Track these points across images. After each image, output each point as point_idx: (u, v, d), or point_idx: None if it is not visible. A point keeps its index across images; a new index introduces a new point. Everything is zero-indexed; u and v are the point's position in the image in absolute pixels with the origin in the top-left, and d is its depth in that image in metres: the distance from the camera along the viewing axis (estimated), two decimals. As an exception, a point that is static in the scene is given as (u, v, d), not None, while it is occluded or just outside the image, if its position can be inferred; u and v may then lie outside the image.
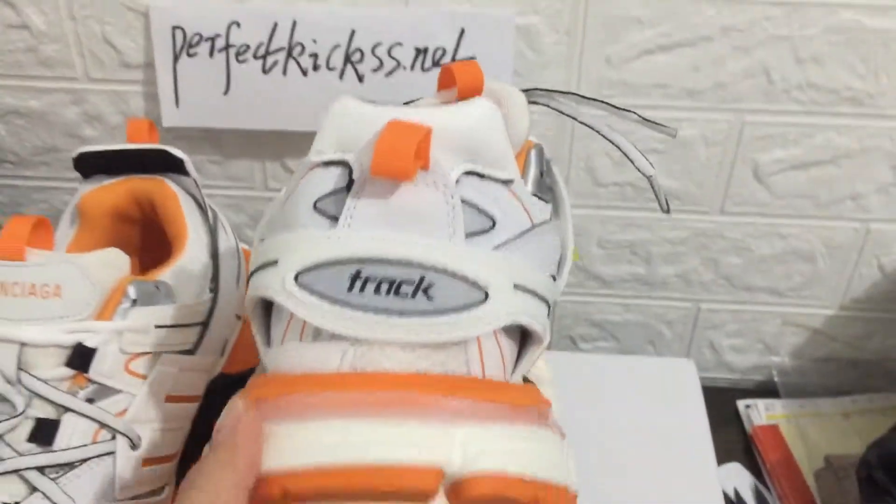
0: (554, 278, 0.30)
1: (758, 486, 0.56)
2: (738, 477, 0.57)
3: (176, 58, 0.52)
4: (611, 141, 0.37)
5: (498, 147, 0.27)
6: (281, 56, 0.51)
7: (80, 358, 0.36)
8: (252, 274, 0.27)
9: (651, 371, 0.58)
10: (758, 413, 0.60)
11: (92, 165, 0.45)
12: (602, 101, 0.37)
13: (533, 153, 0.33)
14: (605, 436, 0.54)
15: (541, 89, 0.36)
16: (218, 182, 0.59)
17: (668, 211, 0.39)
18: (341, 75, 0.52)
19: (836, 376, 0.64)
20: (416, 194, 0.26)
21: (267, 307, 0.28)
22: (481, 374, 0.26)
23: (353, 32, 0.50)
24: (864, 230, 0.57)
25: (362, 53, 0.51)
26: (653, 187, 0.37)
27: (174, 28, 0.51)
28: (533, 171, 0.32)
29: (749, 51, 0.51)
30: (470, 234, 0.26)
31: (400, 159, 0.25)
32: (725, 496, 0.53)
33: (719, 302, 0.62)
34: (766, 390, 0.63)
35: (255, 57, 0.51)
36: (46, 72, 0.55)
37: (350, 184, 0.26)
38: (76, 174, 0.45)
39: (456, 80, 0.31)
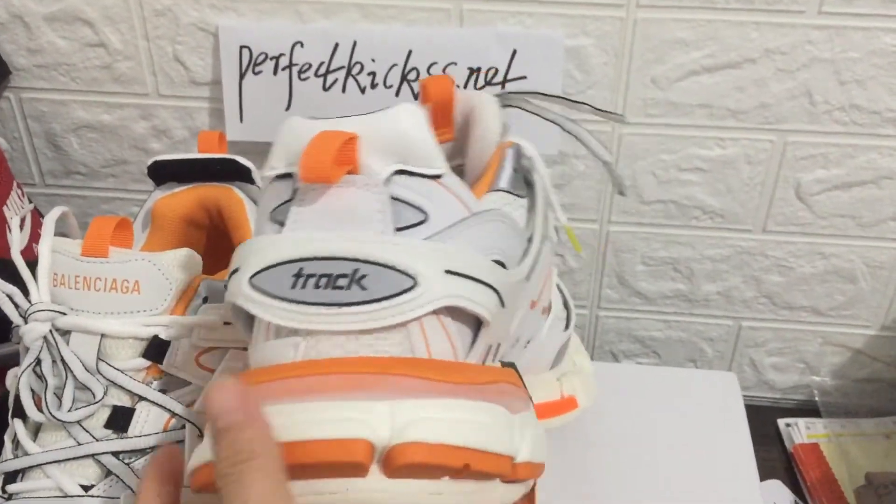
0: (503, 264, 0.31)
1: (798, 503, 0.56)
2: (778, 494, 0.57)
3: (242, 75, 0.55)
4: (570, 132, 0.41)
5: (424, 145, 0.29)
6: (341, 74, 0.54)
7: (156, 350, 0.38)
8: (226, 283, 0.30)
9: (693, 383, 0.59)
10: (798, 432, 0.61)
11: (165, 173, 0.47)
12: (560, 97, 0.41)
13: (509, 152, 0.36)
14: (647, 447, 0.54)
15: (512, 93, 0.39)
16: (275, 195, 0.61)
17: (623, 193, 0.43)
18: (398, 93, 0.54)
19: (877, 396, 0.65)
20: (348, 196, 0.28)
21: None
22: (427, 356, 0.28)
23: (409, 52, 0.53)
24: (905, 251, 0.58)
25: (418, 72, 0.53)
26: (610, 173, 0.41)
27: (241, 47, 0.54)
28: (507, 169, 0.35)
29: (792, 73, 0.52)
30: (402, 228, 0.28)
31: (321, 165, 0.27)
32: (766, 511, 0.54)
33: (760, 320, 0.63)
34: (807, 409, 0.64)
35: (316, 75, 0.54)
36: (119, 88, 0.58)
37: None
38: (142, 185, 0.48)
39: (428, 93, 0.36)
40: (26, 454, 0.37)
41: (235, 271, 0.29)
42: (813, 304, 0.62)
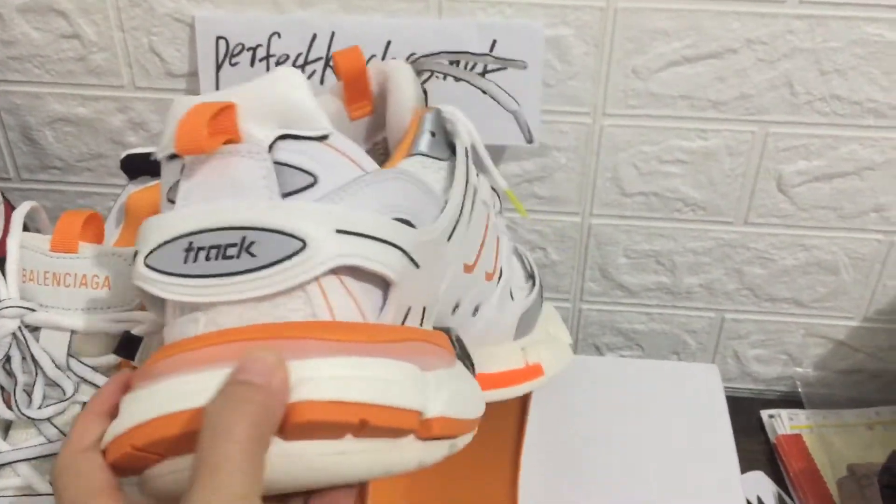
0: (409, 223, 0.31)
1: (781, 494, 0.56)
2: (761, 485, 0.57)
3: (219, 67, 0.54)
4: (478, 87, 0.42)
5: (305, 107, 0.29)
6: (319, 66, 0.53)
7: (127, 346, 0.38)
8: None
9: (675, 376, 0.59)
10: (781, 423, 0.61)
11: (138, 167, 0.47)
12: (464, 52, 0.43)
13: (427, 117, 0.36)
14: (629, 440, 0.54)
15: (424, 56, 0.40)
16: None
17: (531, 142, 0.43)
18: (376, 85, 0.54)
19: (859, 387, 0.65)
20: (232, 166, 0.28)
21: None
22: (330, 318, 0.28)
23: (388, 43, 0.52)
24: (887, 242, 0.58)
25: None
26: (518, 121, 0.42)
27: (218, 38, 0.53)
28: (424, 133, 0.36)
29: (773, 63, 0.52)
30: (291, 192, 0.28)
31: (194, 135, 0.27)
32: None
33: (743, 312, 0.63)
34: (790, 401, 0.64)
35: (294, 66, 0.53)
36: (94, 80, 0.57)
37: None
38: (119, 180, 0.47)
39: (339, 67, 0.37)
40: (-4, 451, 0.36)
41: (135, 255, 0.29)
42: (795, 296, 0.61)
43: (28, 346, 0.37)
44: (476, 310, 0.39)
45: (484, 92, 0.41)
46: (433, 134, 0.36)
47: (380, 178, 0.31)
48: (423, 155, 0.35)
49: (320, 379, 0.26)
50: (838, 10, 0.50)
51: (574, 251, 0.61)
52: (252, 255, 0.27)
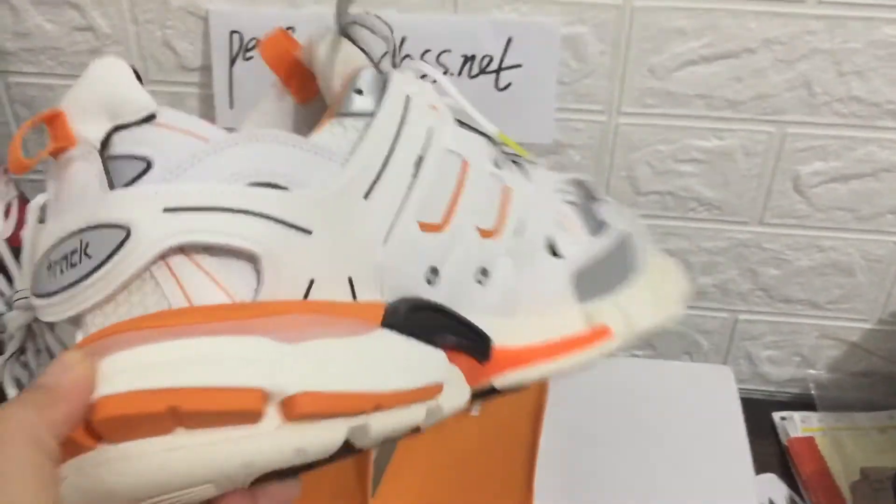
0: (279, 186, 0.28)
1: (793, 497, 0.56)
2: (773, 488, 0.57)
3: (232, 61, 0.54)
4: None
5: (126, 93, 0.28)
6: (333, 61, 0.53)
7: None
8: None
9: (688, 377, 0.59)
10: (794, 425, 0.61)
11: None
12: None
13: (357, 77, 0.33)
14: (642, 441, 0.54)
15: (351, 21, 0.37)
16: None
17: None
18: (391, 81, 0.53)
19: (873, 390, 0.64)
20: (71, 172, 0.27)
21: None
22: (187, 304, 0.26)
23: (403, 39, 0.52)
24: (904, 244, 0.58)
25: (411, 60, 0.52)
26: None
27: (232, 32, 0.53)
28: (350, 93, 0.33)
29: (791, 63, 0.52)
30: (129, 183, 0.27)
31: (12, 157, 0.27)
32: (760, 505, 0.54)
33: (757, 313, 0.63)
34: (803, 403, 0.63)
35: (308, 61, 0.53)
36: (108, 73, 0.57)
37: None
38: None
39: (267, 55, 0.35)
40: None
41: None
42: (810, 298, 0.61)
43: (43, 338, 0.36)
44: (483, 273, 0.35)
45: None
46: (359, 92, 0.33)
47: (224, 146, 0.28)
48: (343, 115, 0.32)
49: (123, 371, 0.24)
50: (858, 10, 0.49)
51: (587, 250, 0.61)
52: (89, 256, 0.26)
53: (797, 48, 0.51)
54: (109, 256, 0.26)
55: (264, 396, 0.24)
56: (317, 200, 0.29)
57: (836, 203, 0.56)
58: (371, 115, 0.32)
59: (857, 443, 0.59)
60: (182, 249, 0.26)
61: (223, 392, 0.24)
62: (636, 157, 0.56)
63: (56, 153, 0.28)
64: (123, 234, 0.26)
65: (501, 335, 0.34)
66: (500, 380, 0.34)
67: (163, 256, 0.26)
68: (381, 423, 0.27)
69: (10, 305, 0.37)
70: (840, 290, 0.60)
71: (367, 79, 0.33)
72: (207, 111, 0.58)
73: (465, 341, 0.33)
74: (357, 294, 0.30)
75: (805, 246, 0.59)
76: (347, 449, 0.27)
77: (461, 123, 0.37)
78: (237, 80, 0.55)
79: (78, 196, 0.27)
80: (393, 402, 0.27)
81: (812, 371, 0.65)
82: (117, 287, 0.26)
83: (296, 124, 0.38)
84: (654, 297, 0.40)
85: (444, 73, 0.53)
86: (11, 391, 0.37)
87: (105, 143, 0.28)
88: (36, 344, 0.37)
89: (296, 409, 0.25)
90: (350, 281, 0.30)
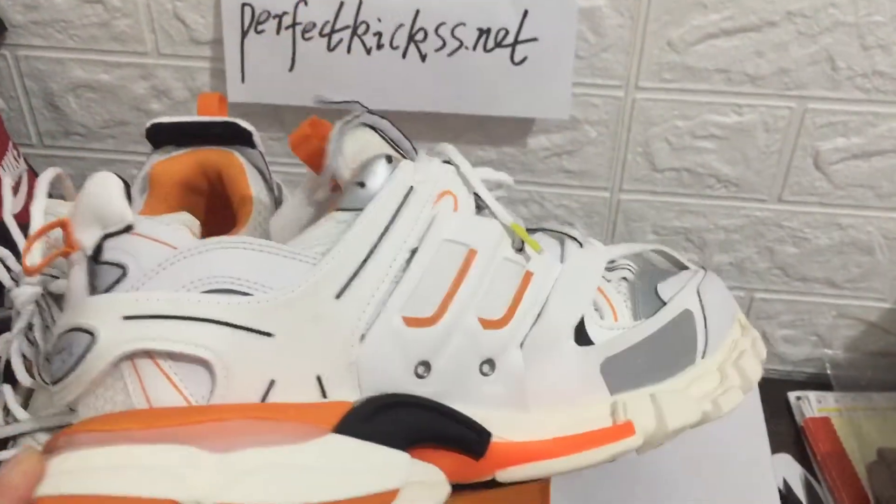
0: (241, 292, 0.30)
1: (808, 477, 0.56)
2: (787, 468, 0.56)
3: (244, 34, 0.53)
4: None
5: (110, 204, 0.31)
6: (346, 34, 0.52)
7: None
8: None
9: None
10: (809, 405, 0.60)
11: (163, 137, 0.46)
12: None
13: (367, 167, 0.34)
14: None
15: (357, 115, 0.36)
16: (279, 159, 0.60)
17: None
18: (404, 54, 0.52)
19: (890, 371, 0.63)
20: (71, 274, 0.31)
21: None
22: (147, 405, 0.29)
23: (417, 12, 0.51)
24: (925, 223, 0.57)
25: (426, 33, 0.52)
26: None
27: (243, 5, 0.52)
28: (351, 187, 0.33)
29: (814, 37, 0.50)
30: (109, 287, 0.30)
31: (24, 263, 0.32)
32: (775, 485, 0.53)
33: (773, 292, 0.62)
34: (818, 383, 0.63)
35: (320, 35, 0.52)
36: (118, 46, 0.56)
37: None
38: (142, 147, 0.46)
39: (294, 150, 0.36)
40: (16, 421, 0.36)
41: None
42: (828, 276, 0.60)
43: (51, 314, 0.36)
44: (489, 364, 0.34)
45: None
46: (362, 185, 0.33)
47: (188, 254, 0.31)
48: (342, 210, 0.33)
49: (60, 473, 0.26)
50: (884, -19, 0.48)
51: (602, 227, 0.60)
52: (71, 354, 0.30)
53: (820, 21, 0.50)
54: (82, 356, 0.29)
55: None
56: (280, 303, 0.30)
57: (856, 180, 0.55)
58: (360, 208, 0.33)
59: (873, 423, 0.58)
60: (147, 353, 0.29)
61: (138, 502, 0.26)
62: (653, 132, 0.55)
63: (65, 255, 0.31)
64: (90, 338, 0.29)
65: (508, 428, 0.33)
66: (504, 474, 0.34)
67: (130, 357, 0.29)
68: None
69: (17, 281, 0.36)
70: (859, 268, 0.59)
71: (373, 170, 0.34)
72: (219, 85, 0.57)
73: (453, 438, 0.32)
74: (327, 392, 0.31)
75: (824, 224, 0.58)
76: None
77: (480, 208, 0.36)
78: (248, 54, 0.54)
79: (72, 297, 0.31)
80: None
81: (829, 351, 0.64)
82: (89, 384, 0.29)
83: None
84: (705, 389, 0.37)
85: (459, 47, 0.52)
86: (19, 367, 0.36)
87: (100, 248, 0.31)
88: (44, 320, 0.37)
89: None
90: (319, 379, 0.31)
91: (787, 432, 0.59)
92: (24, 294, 0.36)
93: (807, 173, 0.56)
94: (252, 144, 0.45)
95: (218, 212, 0.48)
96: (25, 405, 0.37)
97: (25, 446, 0.27)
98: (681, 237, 0.60)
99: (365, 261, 0.32)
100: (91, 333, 0.29)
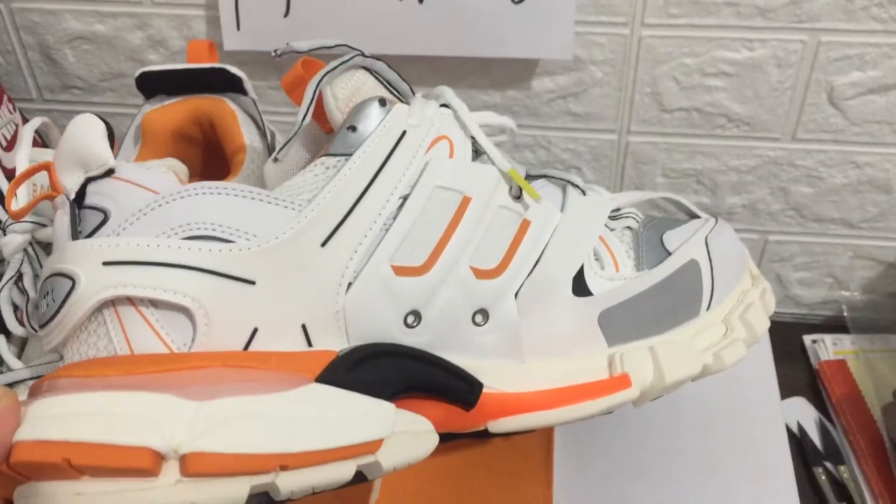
0: (223, 238, 0.29)
1: (822, 420, 0.55)
2: (802, 411, 0.56)
3: (236, -21, 0.52)
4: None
5: (92, 147, 0.30)
6: (341, -23, 0.51)
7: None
8: None
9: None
10: (824, 348, 0.59)
11: (153, 85, 0.45)
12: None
13: (358, 110, 0.33)
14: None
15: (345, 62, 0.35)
16: (279, 108, 0.59)
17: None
18: (401, -5, 0.51)
19: (909, 312, 0.62)
20: (56, 219, 0.31)
21: None
22: (129, 351, 0.29)
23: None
24: (945, 158, 0.55)
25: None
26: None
27: (234, -52, 0.51)
28: (341, 131, 0.33)
29: (827, -35, 0.48)
30: (91, 233, 0.30)
31: (7, 204, 0.32)
32: (789, 430, 0.52)
33: (788, 234, 0.60)
34: (834, 325, 0.62)
35: (314, -22, 0.51)
36: (111, -4, 0.56)
37: None
38: (142, 100, 0.46)
39: (286, 90, 0.36)
40: (10, 370, 0.36)
41: None
42: (844, 216, 0.59)
43: (39, 263, 0.36)
44: (482, 314, 0.33)
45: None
46: (353, 129, 0.33)
47: (169, 199, 0.30)
48: (330, 154, 0.32)
49: (37, 419, 0.26)
50: None
51: (610, 171, 0.59)
52: (53, 300, 0.29)
53: (833, -52, 0.48)
54: (63, 301, 0.29)
55: (156, 455, 0.25)
56: (263, 251, 0.29)
57: (873, 116, 0.53)
58: (350, 154, 0.32)
59: (890, 365, 0.57)
60: (129, 299, 0.29)
61: (114, 449, 0.25)
62: (661, 71, 0.54)
63: (49, 199, 0.31)
64: (70, 283, 0.29)
65: (501, 380, 0.33)
66: (496, 425, 0.33)
67: (112, 304, 0.29)
68: (294, 482, 0.27)
69: (4, 231, 0.36)
70: (876, 208, 0.58)
71: (365, 113, 0.33)
72: (215, 34, 0.56)
73: (442, 388, 0.31)
74: (313, 341, 0.30)
75: (840, 162, 0.56)
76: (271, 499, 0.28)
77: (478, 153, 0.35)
78: (243, 1, 0.53)
79: (57, 242, 0.30)
80: (304, 461, 0.27)
81: (845, 293, 0.63)
82: (72, 329, 0.29)
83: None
84: (708, 342, 0.36)
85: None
86: (9, 316, 0.36)
87: (82, 191, 0.30)
88: (33, 269, 0.36)
89: (190, 468, 0.26)
90: (304, 328, 0.30)
91: (802, 376, 0.58)
92: (13, 243, 0.36)
93: (821, 110, 0.54)
94: (243, 91, 0.44)
95: (213, 161, 0.47)
96: (19, 355, 0.37)
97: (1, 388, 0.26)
98: (691, 180, 0.58)
99: (353, 208, 0.31)
100: (72, 279, 0.29)
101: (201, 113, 0.45)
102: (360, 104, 0.34)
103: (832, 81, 0.53)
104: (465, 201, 0.33)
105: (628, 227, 0.39)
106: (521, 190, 0.35)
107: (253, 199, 0.31)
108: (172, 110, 0.45)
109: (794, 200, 0.58)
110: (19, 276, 0.36)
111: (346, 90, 0.35)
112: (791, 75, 0.53)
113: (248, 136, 0.44)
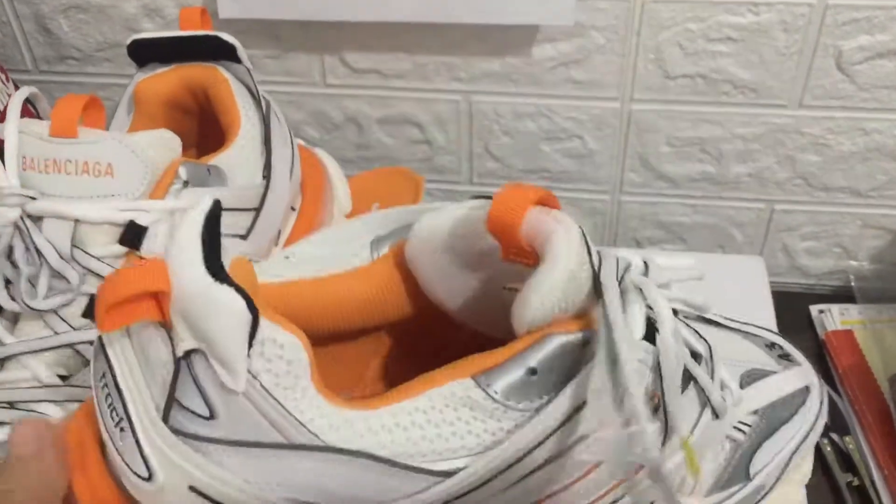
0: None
1: (829, 391, 0.54)
2: (807, 382, 0.55)
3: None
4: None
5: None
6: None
7: (133, 236, 0.36)
8: None
9: (718, 268, 0.56)
10: (831, 318, 0.58)
11: (146, 54, 0.45)
12: None
13: (536, 346, 0.26)
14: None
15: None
16: (276, 78, 0.58)
17: None
18: (398, -41, 0.50)
19: (918, 282, 0.61)
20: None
21: None
22: None
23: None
24: (956, 124, 0.54)
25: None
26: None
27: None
28: (519, 370, 0.26)
29: (835, -76, 0.47)
30: None
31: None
32: (792, 399, 0.52)
33: (795, 203, 0.59)
34: (842, 296, 0.61)
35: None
36: (105, -36, 0.55)
37: None
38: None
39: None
40: (2, 344, 0.36)
41: None
42: (852, 185, 0.58)
43: (31, 236, 0.35)
44: None
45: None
46: (533, 372, 0.25)
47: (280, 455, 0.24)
48: (501, 403, 0.25)
49: None
50: None
51: (613, 139, 0.58)
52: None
53: None
54: None
55: None
56: None
57: (882, 81, 0.52)
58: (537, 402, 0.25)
59: (898, 336, 0.56)
60: None
61: None
62: (665, 37, 0.53)
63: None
64: None
65: None
66: None
67: None
68: None
69: None
70: (885, 175, 0.57)
71: (549, 366, 0.25)
72: (210, 2, 0.55)
73: None
74: None
75: (848, 129, 0.55)
76: None
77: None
78: (236, -34, 0.52)
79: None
80: None
81: (853, 262, 0.62)
82: None
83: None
84: None
85: None
86: (0, 290, 0.36)
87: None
88: (24, 242, 0.36)
89: None
90: None
91: (808, 347, 0.57)
92: (3, 216, 0.35)
93: (829, 75, 0.53)
94: (237, 59, 0.44)
95: (208, 129, 0.46)
96: (12, 330, 0.37)
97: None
98: (696, 148, 0.57)
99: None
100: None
101: (194, 81, 0.44)
102: (546, 341, 0.26)
103: (840, 46, 0.51)
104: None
105: (733, 440, 0.36)
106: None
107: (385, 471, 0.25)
108: (165, 79, 0.44)
109: (801, 169, 0.57)
110: (10, 250, 0.36)
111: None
112: (798, 40, 0.52)
113: (243, 103, 0.44)
